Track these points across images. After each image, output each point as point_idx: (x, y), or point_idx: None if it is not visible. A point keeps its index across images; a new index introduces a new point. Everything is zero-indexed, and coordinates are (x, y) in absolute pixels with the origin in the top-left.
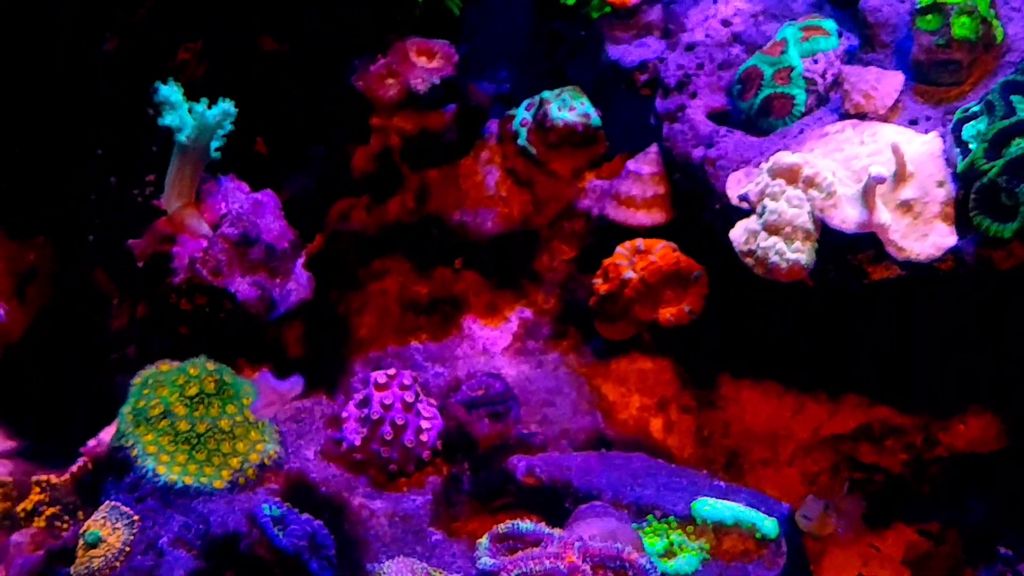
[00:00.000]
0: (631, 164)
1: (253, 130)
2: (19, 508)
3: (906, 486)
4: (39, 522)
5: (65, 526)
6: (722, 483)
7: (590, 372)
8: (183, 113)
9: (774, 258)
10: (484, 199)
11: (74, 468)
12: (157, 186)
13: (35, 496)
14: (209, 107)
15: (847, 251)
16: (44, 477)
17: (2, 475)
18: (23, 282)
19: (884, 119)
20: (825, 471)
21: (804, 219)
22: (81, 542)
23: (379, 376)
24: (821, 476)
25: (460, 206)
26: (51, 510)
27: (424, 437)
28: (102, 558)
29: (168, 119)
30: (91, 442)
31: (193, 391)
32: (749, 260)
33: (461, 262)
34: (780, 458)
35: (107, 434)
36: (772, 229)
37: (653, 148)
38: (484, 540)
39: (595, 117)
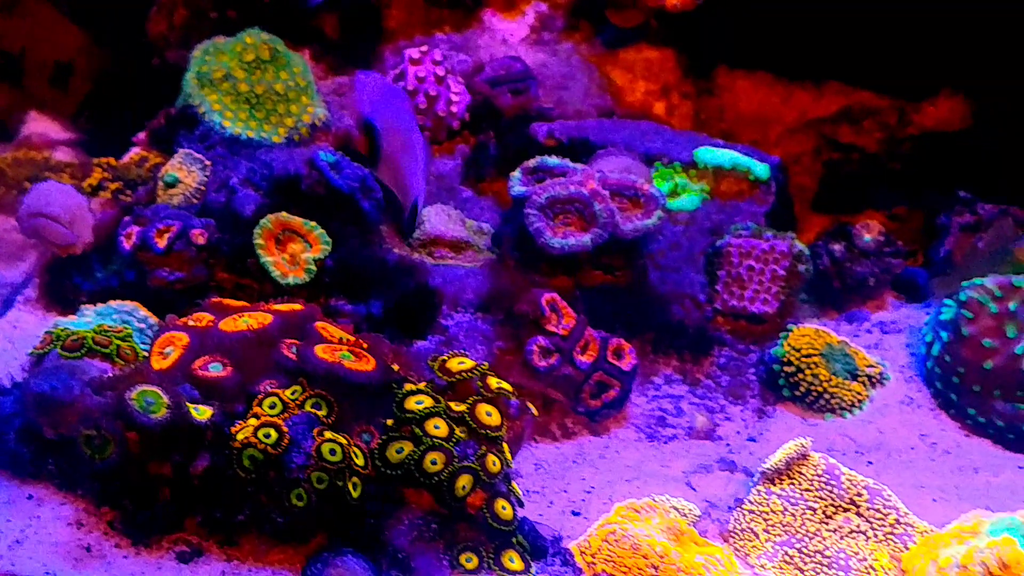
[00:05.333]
0: None
1: None
2: (85, 184)
3: (880, 164)
4: (105, 195)
5: (128, 198)
6: (720, 140)
7: (600, 61)
8: None
9: None
10: None
11: (131, 153)
12: None
13: (98, 174)
14: None
15: None
16: (104, 160)
17: (66, 159)
18: None
19: None
20: (808, 152)
21: None
22: (160, 184)
23: (413, 52)
24: (804, 157)
25: None
26: (115, 185)
27: (454, 108)
28: (181, 196)
29: None
30: (141, 134)
31: (250, 57)
32: None
33: None
34: (768, 140)
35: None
36: None
37: None
38: (516, 173)
39: None
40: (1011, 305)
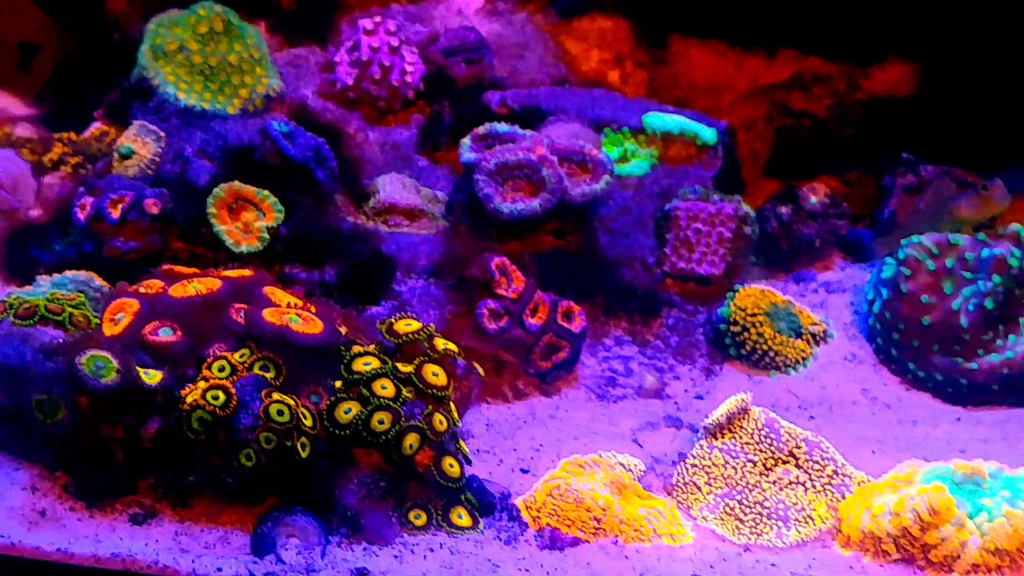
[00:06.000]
0: None
1: None
2: (46, 159)
3: (830, 129)
4: (65, 169)
5: (88, 172)
6: (670, 107)
7: (555, 30)
8: None
9: None
10: None
11: (92, 128)
12: None
13: (59, 149)
14: None
15: None
16: (65, 135)
17: (26, 134)
18: None
19: None
20: (760, 118)
21: None
22: (115, 155)
23: (366, 22)
24: (758, 123)
25: None
26: (75, 159)
27: (409, 78)
28: (136, 167)
29: None
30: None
31: (204, 29)
32: None
33: None
34: (721, 107)
35: None
36: None
37: None
38: (466, 140)
39: None
40: (948, 262)
